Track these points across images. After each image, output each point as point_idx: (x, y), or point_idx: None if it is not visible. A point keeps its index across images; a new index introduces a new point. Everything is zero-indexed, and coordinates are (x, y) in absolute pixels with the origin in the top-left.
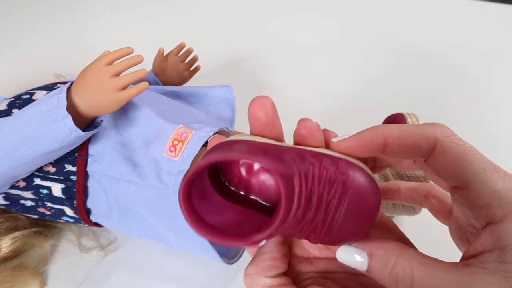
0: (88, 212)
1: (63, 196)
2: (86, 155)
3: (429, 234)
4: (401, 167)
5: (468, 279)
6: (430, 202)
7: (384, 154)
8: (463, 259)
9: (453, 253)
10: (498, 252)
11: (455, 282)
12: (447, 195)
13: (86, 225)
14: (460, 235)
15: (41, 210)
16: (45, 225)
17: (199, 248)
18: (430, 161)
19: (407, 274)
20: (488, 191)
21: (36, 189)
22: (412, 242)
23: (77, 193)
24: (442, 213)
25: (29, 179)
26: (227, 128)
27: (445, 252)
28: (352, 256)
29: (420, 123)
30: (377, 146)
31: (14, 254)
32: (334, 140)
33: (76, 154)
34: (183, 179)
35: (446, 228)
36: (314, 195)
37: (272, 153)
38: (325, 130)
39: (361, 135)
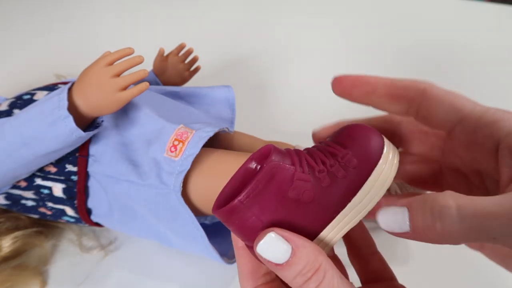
0: (89, 212)
1: (64, 196)
2: (87, 155)
3: None
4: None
5: None
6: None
7: (370, 102)
8: (502, 189)
9: (459, 251)
10: None
11: (503, 203)
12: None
13: (87, 225)
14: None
15: (42, 210)
16: (46, 225)
17: (200, 247)
18: (421, 112)
19: (451, 203)
20: (484, 117)
21: (37, 189)
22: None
23: (78, 193)
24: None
25: (30, 179)
26: (227, 128)
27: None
28: (393, 215)
29: None
30: (366, 90)
31: (15, 254)
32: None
33: (77, 154)
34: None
35: None
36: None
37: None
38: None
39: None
